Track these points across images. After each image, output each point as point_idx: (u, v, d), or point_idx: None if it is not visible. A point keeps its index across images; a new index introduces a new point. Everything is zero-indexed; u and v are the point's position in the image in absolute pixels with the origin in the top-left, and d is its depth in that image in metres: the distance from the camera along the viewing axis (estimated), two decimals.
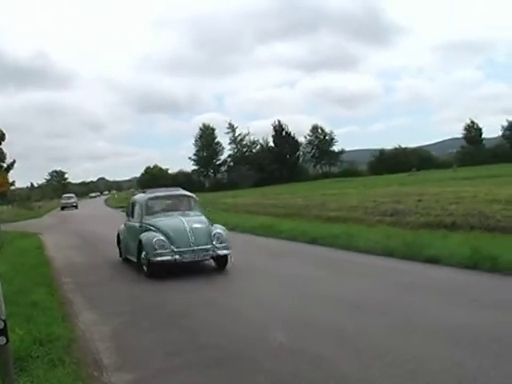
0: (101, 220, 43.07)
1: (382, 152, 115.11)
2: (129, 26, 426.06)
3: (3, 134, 66.68)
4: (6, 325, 5.54)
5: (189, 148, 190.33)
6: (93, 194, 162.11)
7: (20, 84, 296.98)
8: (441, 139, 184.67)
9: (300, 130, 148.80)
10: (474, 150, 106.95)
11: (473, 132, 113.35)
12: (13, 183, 60.55)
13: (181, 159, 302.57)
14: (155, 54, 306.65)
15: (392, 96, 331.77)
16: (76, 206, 78.63)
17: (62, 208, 77.03)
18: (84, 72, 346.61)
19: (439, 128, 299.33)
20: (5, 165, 65.17)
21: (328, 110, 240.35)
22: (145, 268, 14.16)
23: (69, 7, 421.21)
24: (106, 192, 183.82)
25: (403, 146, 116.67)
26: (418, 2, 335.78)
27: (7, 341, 5.59)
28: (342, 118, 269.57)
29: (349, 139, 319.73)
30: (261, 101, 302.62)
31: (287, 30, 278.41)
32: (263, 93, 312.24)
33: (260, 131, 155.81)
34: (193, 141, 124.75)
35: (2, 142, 66.15)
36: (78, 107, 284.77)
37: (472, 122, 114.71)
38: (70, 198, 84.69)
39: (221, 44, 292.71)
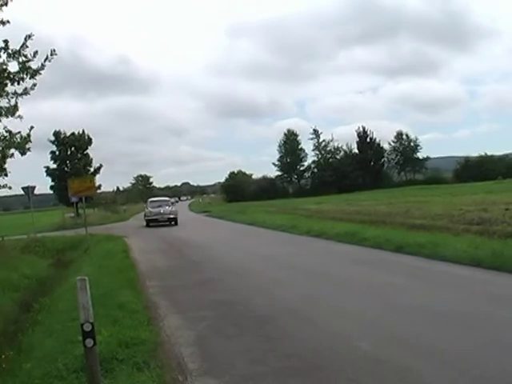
0: (185, 224, 43.57)
1: (467, 159, 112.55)
2: (206, 32, 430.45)
3: (90, 139, 68.72)
4: (93, 328, 5.64)
5: (271, 153, 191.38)
6: (171, 200, 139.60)
7: (102, 90, 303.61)
8: None
9: (383, 136, 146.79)
10: None
11: None
12: (99, 186, 62.32)
13: (263, 164, 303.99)
14: (233, 60, 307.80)
15: (476, 102, 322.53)
16: (174, 220, 45.15)
17: (148, 223, 44.77)
18: (164, 78, 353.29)
19: None
20: (92, 169, 67.14)
21: (411, 116, 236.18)
22: None
23: (148, 15, 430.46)
24: (184, 198, 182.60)
25: (489, 153, 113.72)
26: (500, 5, 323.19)
27: (94, 343, 5.69)
28: (425, 124, 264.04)
29: (433, 146, 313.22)
30: (342, 107, 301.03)
31: (366, 36, 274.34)
32: (344, 98, 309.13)
33: (342, 137, 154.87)
34: (275, 146, 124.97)
35: (89, 147, 68.20)
36: (160, 112, 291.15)
37: None
38: (161, 203, 47.69)
39: (299, 50, 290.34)
